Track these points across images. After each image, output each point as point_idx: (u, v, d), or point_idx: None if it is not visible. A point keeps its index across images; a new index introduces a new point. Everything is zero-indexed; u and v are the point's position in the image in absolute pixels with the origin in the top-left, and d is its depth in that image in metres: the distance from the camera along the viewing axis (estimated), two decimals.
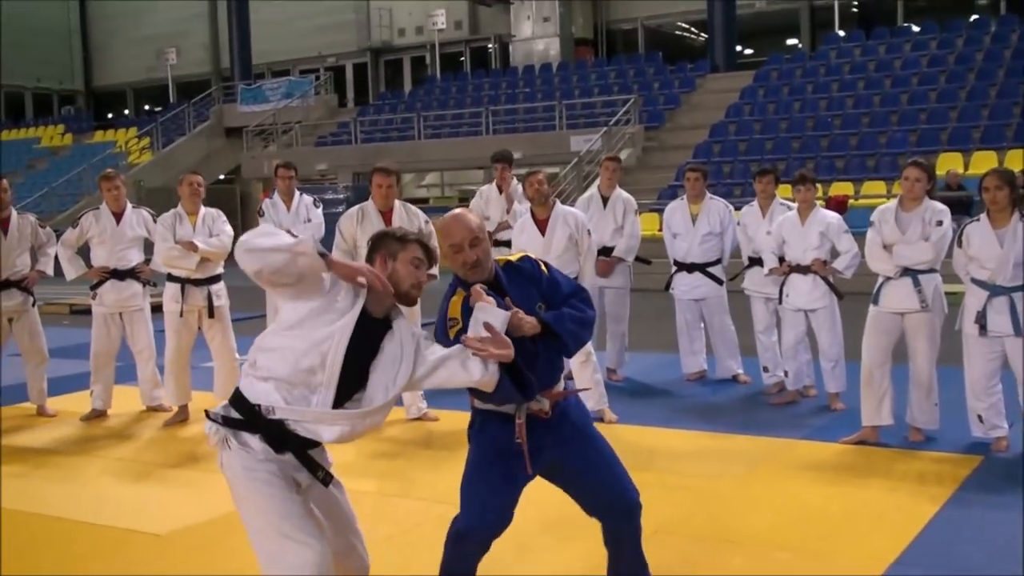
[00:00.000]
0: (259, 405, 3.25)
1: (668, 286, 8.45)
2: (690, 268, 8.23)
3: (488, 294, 3.43)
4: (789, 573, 4.31)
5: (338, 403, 3.27)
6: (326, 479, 3.41)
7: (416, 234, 3.47)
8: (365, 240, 7.11)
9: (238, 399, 3.32)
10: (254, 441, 3.26)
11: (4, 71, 35.69)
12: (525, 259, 3.68)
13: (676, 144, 21.05)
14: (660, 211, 12.48)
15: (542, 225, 7.18)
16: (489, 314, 3.36)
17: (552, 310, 3.55)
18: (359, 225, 7.13)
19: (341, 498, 3.53)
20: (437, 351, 3.43)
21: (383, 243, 3.45)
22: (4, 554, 4.77)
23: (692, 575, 4.19)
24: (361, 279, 3.26)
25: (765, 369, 7.85)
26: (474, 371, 3.34)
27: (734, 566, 4.30)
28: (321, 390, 3.25)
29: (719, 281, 8.24)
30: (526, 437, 3.50)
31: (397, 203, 7.17)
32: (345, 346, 3.23)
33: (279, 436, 3.26)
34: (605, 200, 8.35)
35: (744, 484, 5.63)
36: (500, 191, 8.62)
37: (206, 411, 3.37)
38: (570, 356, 3.68)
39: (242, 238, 3.28)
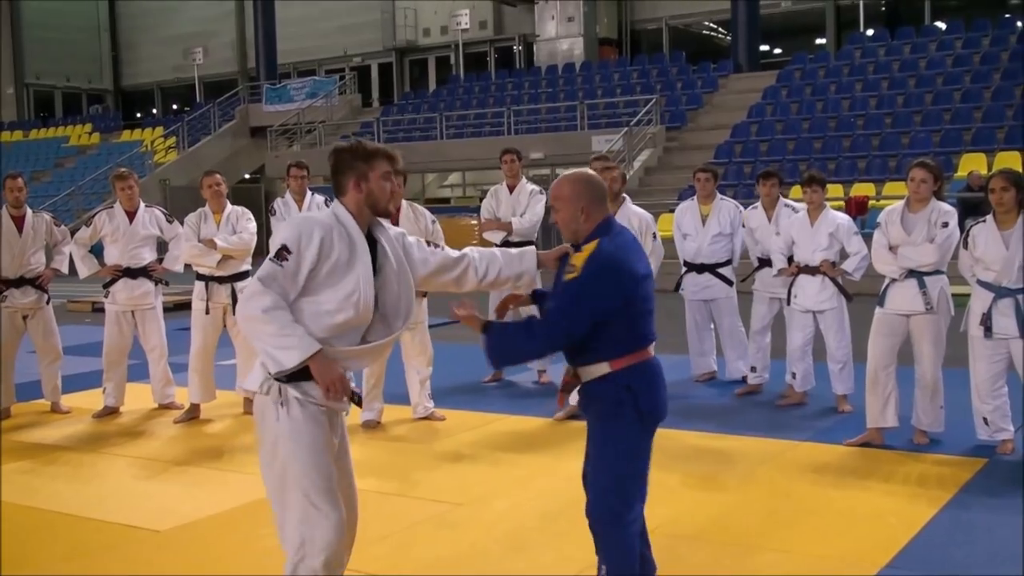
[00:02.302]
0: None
1: (678, 287, 8.44)
2: (700, 269, 8.21)
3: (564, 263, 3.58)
4: (775, 574, 4.30)
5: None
6: (359, 400, 3.56)
7: (375, 144, 3.45)
8: None
9: None
10: (313, 389, 3.35)
11: (34, 70, 36.16)
12: (587, 262, 3.49)
13: (697, 144, 20.98)
14: None
15: None
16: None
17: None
18: None
19: (348, 446, 3.70)
20: (428, 249, 3.64)
21: (348, 165, 3.39)
22: (7, 549, 4.84)
23: (677, 575, 4.17)
24: (331, 392, 3.33)
25: (753, 369, 7.85)
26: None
27: (723, 566, 4.29)
28: (354, 331, 3.41)
29: (729, 282, 8.22)
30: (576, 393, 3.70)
31: (404, 202, 7.19)
32: (373, 290, 3.36)
33: None
34: None
35: (742, 485, 5.61)
36: (511, 190, 8.60)
37: (269, 371, 3.37)
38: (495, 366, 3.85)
39: (243, 300, 3.40)
